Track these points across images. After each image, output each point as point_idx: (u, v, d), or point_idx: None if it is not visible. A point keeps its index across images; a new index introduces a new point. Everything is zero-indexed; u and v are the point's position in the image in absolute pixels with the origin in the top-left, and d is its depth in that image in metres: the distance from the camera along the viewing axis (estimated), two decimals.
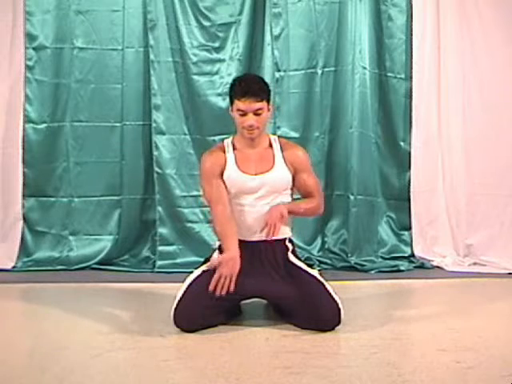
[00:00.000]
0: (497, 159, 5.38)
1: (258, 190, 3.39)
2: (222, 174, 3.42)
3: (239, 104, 3.35)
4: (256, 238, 3.38)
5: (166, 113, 5.29)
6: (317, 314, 3.20)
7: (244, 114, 3.35)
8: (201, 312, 3.18)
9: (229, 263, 3.16)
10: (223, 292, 3.14)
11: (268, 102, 3.42)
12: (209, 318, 3.24)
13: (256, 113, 3.35)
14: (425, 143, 5.49)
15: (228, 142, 3.54)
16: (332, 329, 3.23)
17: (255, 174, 3.41)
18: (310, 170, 3.55)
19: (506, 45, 5.38)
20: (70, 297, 4.28)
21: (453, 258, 5.41)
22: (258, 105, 3.34)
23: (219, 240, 3.40)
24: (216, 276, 3.14)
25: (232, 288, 3.15)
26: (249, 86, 3.35)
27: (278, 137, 3.67)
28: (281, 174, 3.43)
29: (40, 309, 3.89)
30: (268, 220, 3.30)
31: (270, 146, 3.50)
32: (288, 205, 3.41)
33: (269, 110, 3.44)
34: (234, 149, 3.49)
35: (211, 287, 3.13)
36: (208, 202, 3.47)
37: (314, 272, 3.38)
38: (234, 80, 3.52)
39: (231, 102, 3.43)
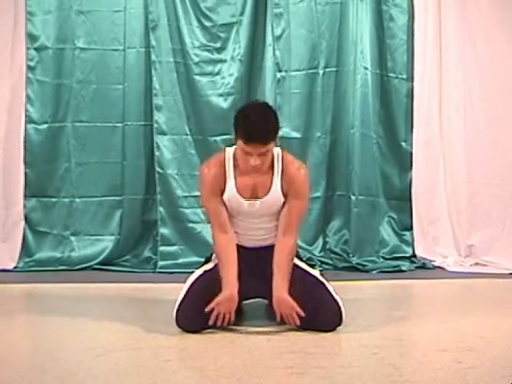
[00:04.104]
0: (498, 159, 5.39)
1: (253, 212, 3.28)
2: (222, 191, 3.26)
3: (243, 146, 3.08)
4: (257, 245, 3.36)
5: (167, 113, 5.30)
6: (318, 314, 3.19)
7: (248, 153, 3.13)
8: (203, 312, 3.18)
9: (226, 303, 3.13)
10: (224, 324, 3.14)
11: (276, 138, 3.18)
12: (209, 317, 3.22)
13: (262, 153, 3.12)
14: (426, 143, 5.50)
15: (230, 152, 3.27)
16: (333, 329, 3.23)
17: (250, 198, 3.26)
18: (304, 197, 3.31)
19: (508, 45, 5.38)
20: (71, 297, 4.28)
21: (454, 258, 5.41)
22: (265, 148, 3.09)
23: (218, 265, 3.26)
24: (214, 313, 3.12)
25: (232, 319, 3.15)
26: (255, 130, 3.03)
27: (283, 150, 3.35)
28: (273, 200, 3.25)
29: (41, 309, 3.89)
30: (282, 314, 3.15)
31: (272, 165, 3.26)
32: (285, 282, 3.17)
33: (275, 143, 3.23)
34: (235, 164, 3.25)
35: (211, 322, 3.12)
36: (207, 214, 3.40)
37: (315, 272, 3.37)
38: (240, 113, 3.16)
39: (235, 133, 3.14)
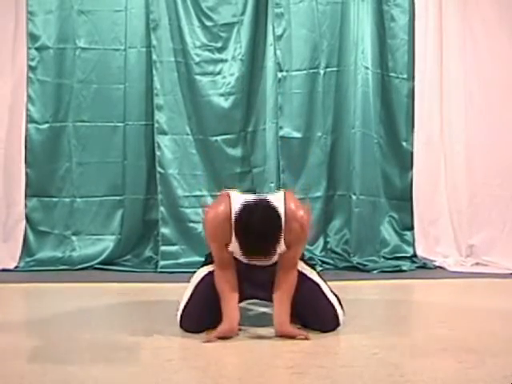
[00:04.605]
0: (499, 159, 5.39)
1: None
2: (226, 242, 3.11)
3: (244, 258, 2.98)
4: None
5: (168, 113, 5.30)
6: (315, 318, 3.19)
7: None
8: (208, 314, 3.17)
9: (226, 334, 3.07)
10: None
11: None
12: (214, 319, 3.21)
13: None
14: (427, 143, 5.50)
15: (236, 206, 3.02)
16: (332, 330, 3.22)
17: None
18: (304, 243, 3.26)
19: (509, 45, 5.38)
20: (72, 297, 4.28)
21: (455, 258, 5.42)
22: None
23: (219, 296, 3.14)
24: (213, 339, 3.08)
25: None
26: (257, 252, 2.88)
27: (285, 193, 3.18)
28: (277, 255, 3.07)
29: (42, 309, 3.89)
30: (284, 336, 3.11)
31: None
32: (287, 317, 3.10)
33: None
34: None
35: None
36: (210, 249, 3.24)
37: (312, 274, 3.30)
38: (241, 226, 2.89)
39: (235, 236, 2.95)
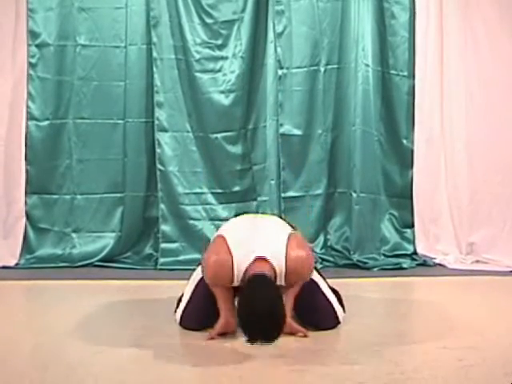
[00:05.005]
0: (499, 157, 5.38)
1: None
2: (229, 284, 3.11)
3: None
4: None
5: (168, 110, 5.30)
6: (313, 317, 3.19)
7: None
8: (208, 313, 3.16)
9: (224, 329, 3.08)
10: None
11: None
12: (213, 318, 3.20)
13: None
14: (427, 141, 5.50)
15: (239, 263, 3.02)
16: (331, 328, 3.22)
17: None
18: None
19: (509, 43, 5.37)
20: (72, 294, 4.29)
21: (455, 255, 5.41)
22: None
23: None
24: (215, 336, 3.08)
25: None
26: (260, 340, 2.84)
27: (288, 241, 3.10)
28: None
29: (42, 306, 3.89)
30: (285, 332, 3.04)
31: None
32: (288, 311, 3.04)
33: None
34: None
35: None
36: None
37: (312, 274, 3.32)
38: (244, 311, 2.81)
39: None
